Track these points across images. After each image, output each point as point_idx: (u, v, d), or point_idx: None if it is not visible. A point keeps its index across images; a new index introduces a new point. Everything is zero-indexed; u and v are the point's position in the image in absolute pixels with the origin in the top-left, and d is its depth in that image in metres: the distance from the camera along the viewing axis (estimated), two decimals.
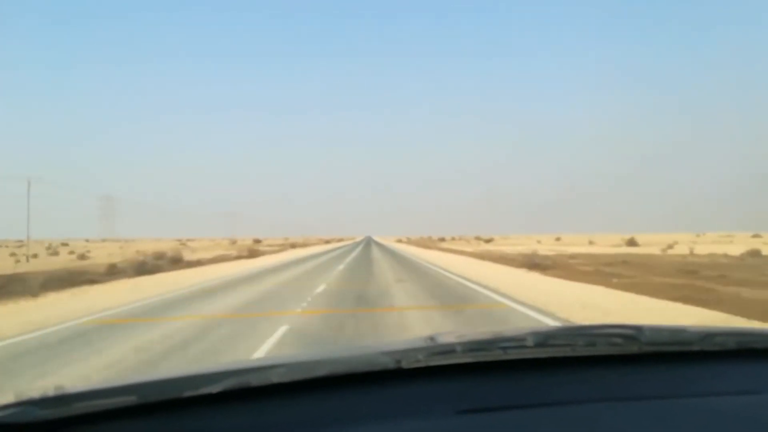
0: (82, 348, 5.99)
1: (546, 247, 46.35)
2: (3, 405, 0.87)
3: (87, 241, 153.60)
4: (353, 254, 34.23)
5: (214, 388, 0.93)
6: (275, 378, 0.98)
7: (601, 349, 1.14)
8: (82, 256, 40.32)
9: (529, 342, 1.09)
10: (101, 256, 37.15)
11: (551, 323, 7.09)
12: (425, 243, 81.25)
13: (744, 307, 7.76)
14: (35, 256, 41.34)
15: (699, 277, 13.51)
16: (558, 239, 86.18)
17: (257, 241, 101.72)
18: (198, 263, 26.30)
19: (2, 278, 14.24)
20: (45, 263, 29.88)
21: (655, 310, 8.10)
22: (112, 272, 18.61)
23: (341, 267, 21.18)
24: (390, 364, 1.03)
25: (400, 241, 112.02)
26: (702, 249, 32.84)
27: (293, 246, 62.38)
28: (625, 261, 21.68)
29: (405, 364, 1.03)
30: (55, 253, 48.65)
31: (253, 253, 38.52)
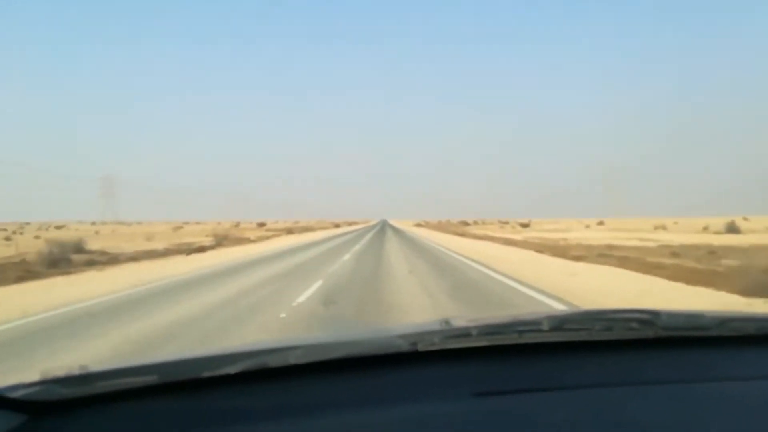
0: None
1: (606, 235, 35.71)
2: (27, 383, 0.89)
3: (93, 224, 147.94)
4: (357, 246, 24.14)
5: (233, 369, 0.95)
6: (293, 359, 0.98)
7: (618, 334, 1.13)
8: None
9: (545, 326, 1.09)
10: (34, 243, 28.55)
11: None
12: (448, 228, 70.99)
13: None
14: None
15: None
16: (601, 223, 74.50)
17: (261, 225, 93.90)
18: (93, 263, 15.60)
19: None
20: None
21: None
22: None
23: (329, 272, 12.13)
24: (405, 347, 1.04)
25: (419, 225, 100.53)
26: None
27: (290, 232, 52.04)
28: None
29: (421, 347, 1.04)
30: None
31: (225, 242, 28.86)
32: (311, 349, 1.05)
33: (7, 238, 37.36)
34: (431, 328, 1.13)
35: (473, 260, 15.12)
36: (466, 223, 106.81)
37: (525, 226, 70.57)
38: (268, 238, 38.46)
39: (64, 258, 15.07)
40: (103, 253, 18.63)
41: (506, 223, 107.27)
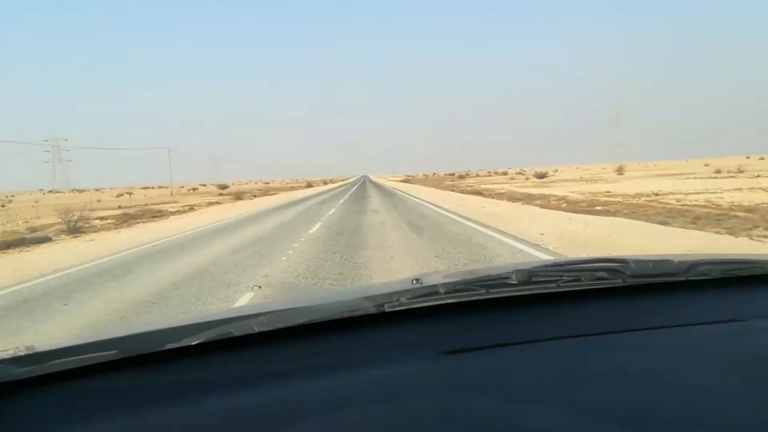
0: None
1: (653, 185, 26.74)
2: None
3: (47, 192, 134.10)
4: (320, 223, 13.90)
5: (195, 339, 0.92)
6: (256, 327, 0.95)
7: (586, 284, 1.12)
8: None
9: (513, 279, 1.08)
10: None
11: None
12: (443, 182, 59.67)
13: None
14: None
15: None
16: (620, 171, 63.47)
17: (223, 188, 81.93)
18: None
19: None
20: None
21: None
22: None
23: None
24: (371, 308, 1.02)
25: (407, 181, 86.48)
26: None
27: (238, 197, 39.41)
28: None
29: (387, 308, 1.02)
30: None
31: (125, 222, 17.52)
32: (275, 315, 1.00)
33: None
34: (400, 287, 1.09)
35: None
36: (461, 177, 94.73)
37: (541, 176, 53.87)
38: (192, 209, 26.87)
39: None
40: None
41: (507, 174, 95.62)
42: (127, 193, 72.43)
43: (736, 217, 10.28)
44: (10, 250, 11.59)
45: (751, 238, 7.73)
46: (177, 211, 24.84)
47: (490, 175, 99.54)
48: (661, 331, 1.00)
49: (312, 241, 10.17)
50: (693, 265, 1.17)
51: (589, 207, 14.71)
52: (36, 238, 13.32)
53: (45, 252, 11.18)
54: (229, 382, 0.87)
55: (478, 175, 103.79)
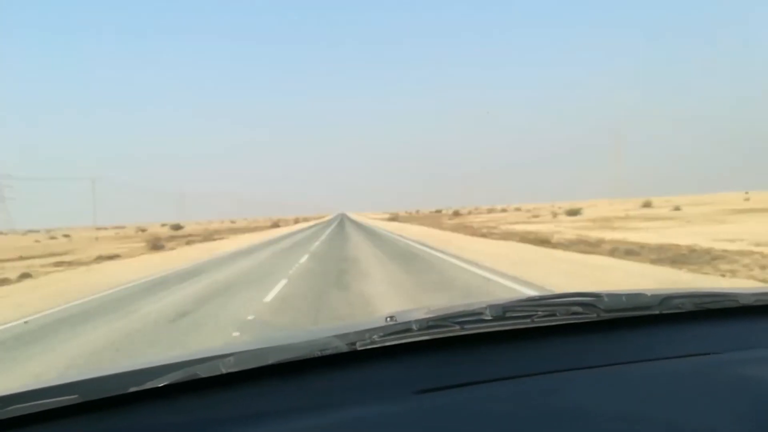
0: None
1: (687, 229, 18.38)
2: None
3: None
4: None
5: (160, 382, 0.88)
6: (224, 368, 0.92)
7: (560, 319, 1.10)
8: None
9: (487, 315, 1.06)
10: None
11: None
12: (441, 221, 48.04)
13: None
14: None
15: None
16: (647, 204, 53.51)
17: (177, 228, 69.24)
18: None
19: None
20: None
21: None
22: None
23: None
24: (343, 347, 0.99)
25: (395, 219, 70.13)
26: None
27: (155, 247, 26.99)
28: None
29: (359, 346, 1.00)
30: None
31: None
32: (244, 355, 0.97)
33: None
34: (372, 325, 1.06)
35: None
36: (457, 213, 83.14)
37: (574, 213, 42.54)
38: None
39: None
40: None
41: (507, 211, 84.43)
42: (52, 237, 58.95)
43: None
44: None
45: None
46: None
47: (490, 212, 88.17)
48: (637, 365, 0.99)
49: None
50: (666, 299, 1.17)
51: None
52: None
53: None
54: (195, 426, 0.84)
55: (470, 213, 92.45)
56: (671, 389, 0.90)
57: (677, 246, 11.99)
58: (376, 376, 0.97)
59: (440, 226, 35.15)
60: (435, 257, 13.15)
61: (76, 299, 9.50)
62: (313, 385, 0.95)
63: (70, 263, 20.47)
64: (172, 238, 37.37)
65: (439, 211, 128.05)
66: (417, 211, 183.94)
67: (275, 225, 69.60)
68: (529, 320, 1.07)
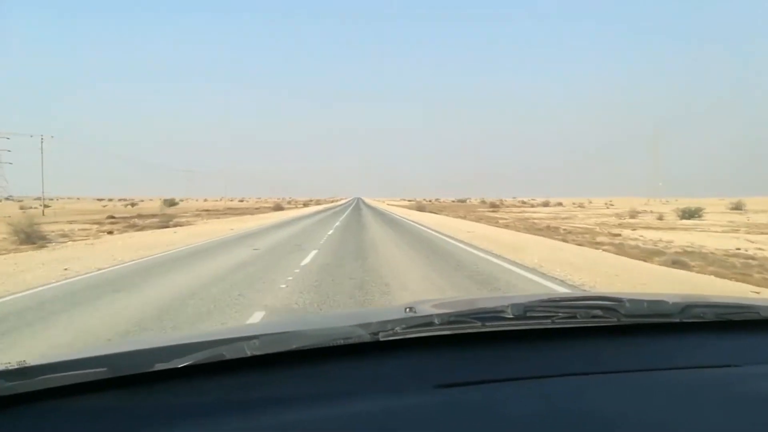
0: None
1: None
2: None
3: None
4: None
5: (186, 361, 0.90)
6: (249, 350, 0.94)
7: (581, 321, 1.11)
8: None
9: (509, 314, 1.07)
10: None
11: None
12: (476, 212, 38.59)
13: None
14: None
15: None
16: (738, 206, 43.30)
17: (172, 204, 62.21)
18: None
19: None
20: None
21: None
22: None
23: None
24: (366, 336, 1.00)
25: (421, 208, 54.28)
26: None
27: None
28: None
29: (382, 337, 1.00)
30: None
31: None
32: (268, 339, 0.98)
33: None
34: (394, 315, 1.09)
35: None
36: (494, 205, 73.15)
37: (691, 215, 31.03)
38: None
39: None
40: None
41: (549, 205, 73.62)
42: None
43: None
44: None
45: None
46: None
47: (524, 205, 77.84)
48: (656, 374, 0.99)
49: None
50: (687, 307, 1.17)
51: None
52: None
53: None
54: (217, 406, 0.85)
55: (510, 205, 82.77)
56: (689, 400, 0.90)
57: None
58: (398, 367, 0.98)
59: (495, 223, 26.27)
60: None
61: None
62: (335, 372, 0.96)
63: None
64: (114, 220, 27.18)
65: (463, 201, 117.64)
66: (437, 200, 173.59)
67: (278, 208, 58.19)
68: (549, 321, 1.07)
